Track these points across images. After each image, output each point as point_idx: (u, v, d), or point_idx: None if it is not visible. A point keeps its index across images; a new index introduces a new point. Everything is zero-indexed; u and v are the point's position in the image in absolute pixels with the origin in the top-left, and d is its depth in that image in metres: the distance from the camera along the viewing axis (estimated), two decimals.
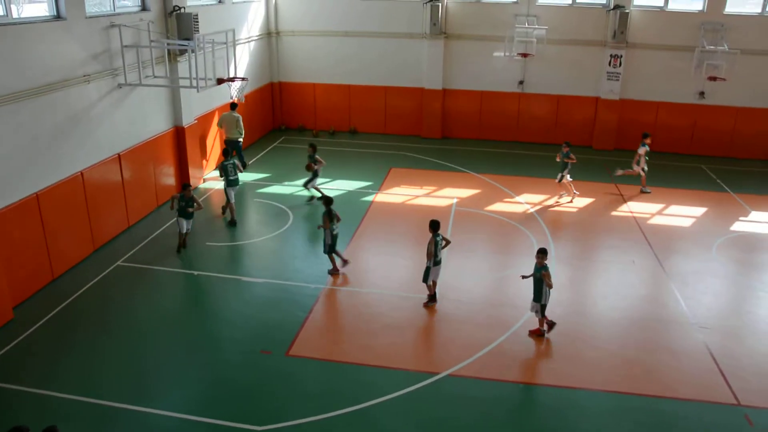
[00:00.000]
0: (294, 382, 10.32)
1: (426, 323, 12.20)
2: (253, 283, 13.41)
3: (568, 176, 18.54)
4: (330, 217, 13.49)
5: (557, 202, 18.69)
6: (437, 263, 12.40)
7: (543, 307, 11.54)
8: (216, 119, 20.43)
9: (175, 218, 14.92)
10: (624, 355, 11.31)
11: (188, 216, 14.68)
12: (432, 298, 12.71)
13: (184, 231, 14.79)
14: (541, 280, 11.34)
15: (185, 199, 14.58)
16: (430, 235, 12.27)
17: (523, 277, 11.84)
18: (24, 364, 10.53)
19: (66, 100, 13.33)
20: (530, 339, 11.64)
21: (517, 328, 11.94)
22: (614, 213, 18.03)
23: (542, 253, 11.44)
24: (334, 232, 13.63)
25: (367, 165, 21.72)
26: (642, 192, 19.65)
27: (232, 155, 17.12)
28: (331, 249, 13.72)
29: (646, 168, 19.56)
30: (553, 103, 24.74)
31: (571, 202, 18.68)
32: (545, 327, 11.71)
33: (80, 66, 13.72)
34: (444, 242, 12.43)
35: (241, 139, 20.02)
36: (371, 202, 18.24)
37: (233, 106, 19.89)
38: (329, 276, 13.69)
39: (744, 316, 12.82)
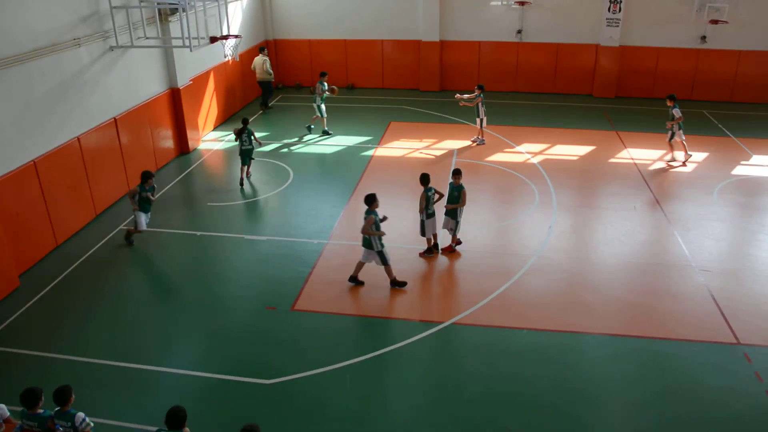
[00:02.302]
0: (300, 335, 10.46)
1: (429, 274, 12.28)
2: (255, 241, 13.47)
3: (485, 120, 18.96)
4: (238, 132, 16.04)
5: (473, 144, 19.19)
6: (430, 216, 12.44)
7: (457, 224, 12.58)
8: (211, 79, 20.32)
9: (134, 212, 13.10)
10: (626, 299, 11.41)
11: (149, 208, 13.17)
12: (430, 249, 12.79)
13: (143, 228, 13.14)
14: (458, 198, 12.25)
15: (146, 189, 12.93)
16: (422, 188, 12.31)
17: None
18: (32, 330, 10.64)
19: (57, 64, 13.16)
20: (532, 286, 11.72)
21: (519, 276, 12.02)
22: (615, 160, 17.97)
23: (457, 173, 12.38)
24: (243, 147, 16.04)
25: (365, 120, 21.58)
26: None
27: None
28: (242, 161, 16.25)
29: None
30: (552, 52, 24.40)
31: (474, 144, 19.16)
32: (455, 243, 12.88)
33: (69, 29, 13.52)
34: (437, 195, 12.44)
35: (271, 80, 22.58)
36: (371, 157, 18.18)
37: (261, 49, 22.44)
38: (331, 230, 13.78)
39: (744, 258, 12.87)
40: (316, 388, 9.22)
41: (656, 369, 9.58)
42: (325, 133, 20.04)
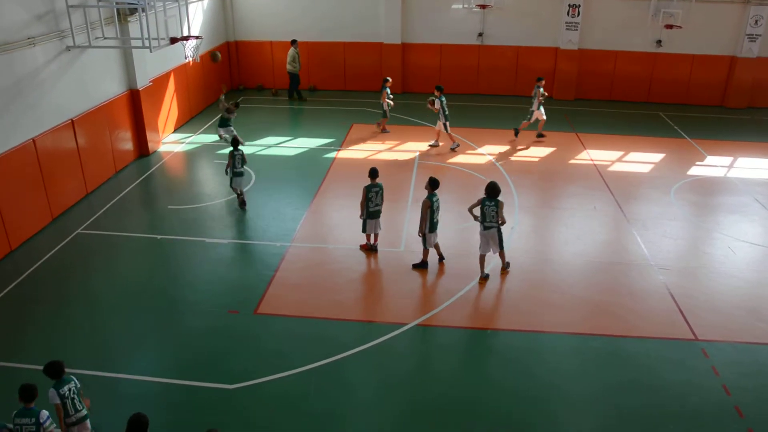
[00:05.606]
0: (263, 339, 10.34)
1: (392, 276, 12.27)
2: (217, 245, 13.29)
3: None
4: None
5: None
6: (373, 215, 12.67)
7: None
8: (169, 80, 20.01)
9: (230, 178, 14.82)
10: (587, 298, 11.58)
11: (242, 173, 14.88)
12: (374, 247, 13.02)
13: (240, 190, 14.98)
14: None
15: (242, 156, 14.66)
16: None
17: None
18: None
19: (10, 64, 12.76)
20: (495, 287, 11.80)
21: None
22: (575, 161, 18.25)
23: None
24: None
25: (328, 122, 21.51)
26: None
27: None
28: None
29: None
30: (512, 55, 24.71)
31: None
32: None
33: (23, 28, 13.15)
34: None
35: (295, 72, 23.85)
36: (334, 159, 18.14)
37: (293, 42, 23.53)
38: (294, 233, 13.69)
39: (701, 256, 13.19)
40: (279, 392, 9.13)
41: (617, 365, 9.74)
42: (540, 136, 20.13)
